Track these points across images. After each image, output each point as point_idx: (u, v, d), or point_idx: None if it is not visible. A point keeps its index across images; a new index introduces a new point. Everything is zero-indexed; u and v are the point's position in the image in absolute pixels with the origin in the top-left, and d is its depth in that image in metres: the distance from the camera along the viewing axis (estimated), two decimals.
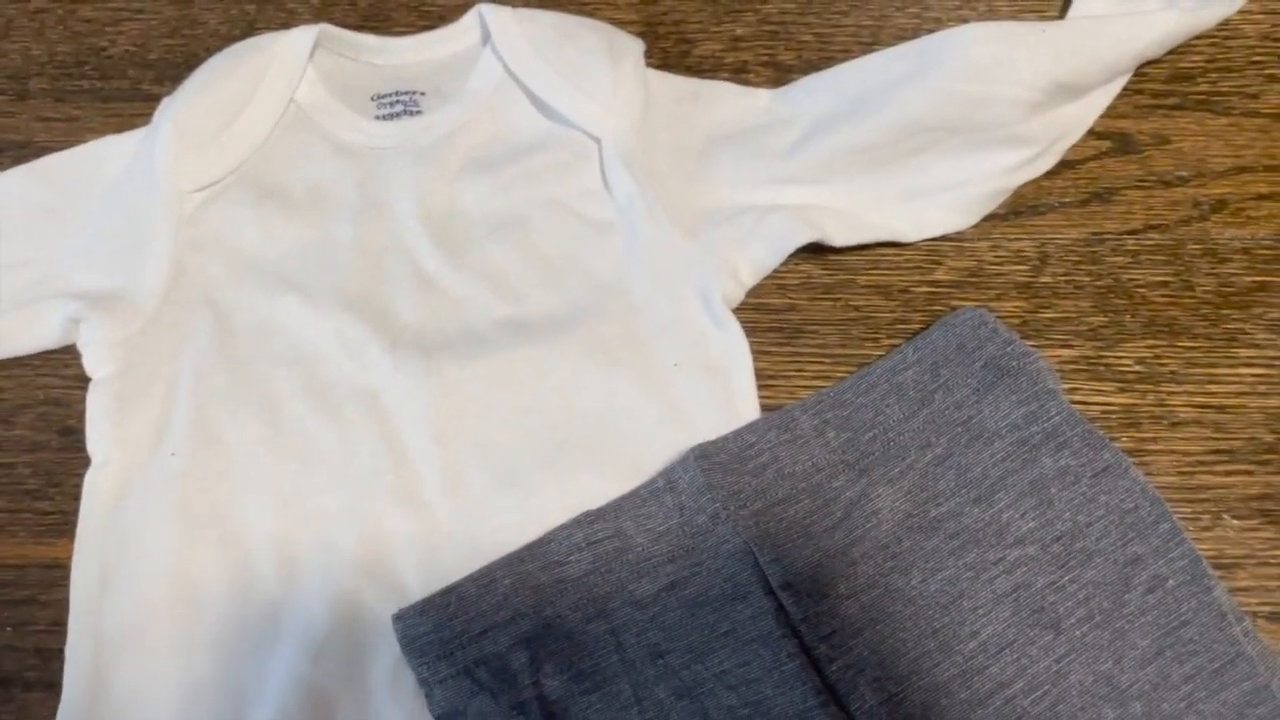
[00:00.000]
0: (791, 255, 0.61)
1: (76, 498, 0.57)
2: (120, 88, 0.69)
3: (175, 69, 0.69)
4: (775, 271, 0.62)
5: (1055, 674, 0.50)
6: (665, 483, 0.55)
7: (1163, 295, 0.61)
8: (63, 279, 0.61)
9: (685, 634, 0.52)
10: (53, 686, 0.54)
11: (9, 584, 0.58)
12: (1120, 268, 0.62)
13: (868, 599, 0.52)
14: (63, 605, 0.55)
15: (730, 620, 0.52)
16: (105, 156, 0.64)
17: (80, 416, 0.59)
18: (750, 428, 0.56)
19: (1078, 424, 0.54)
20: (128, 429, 0.58)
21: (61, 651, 0.55)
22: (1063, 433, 0.54)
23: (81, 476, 0.57)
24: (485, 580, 0.53)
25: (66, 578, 0.56)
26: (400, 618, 0.53)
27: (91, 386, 0.59)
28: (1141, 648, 0.50)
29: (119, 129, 0.66)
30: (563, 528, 0.54)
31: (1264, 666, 0.50)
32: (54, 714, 0.54)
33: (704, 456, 0.54)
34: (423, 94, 0.65)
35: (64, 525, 0.58)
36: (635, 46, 0.64)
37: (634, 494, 0.55)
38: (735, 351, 0.59)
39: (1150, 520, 0.52)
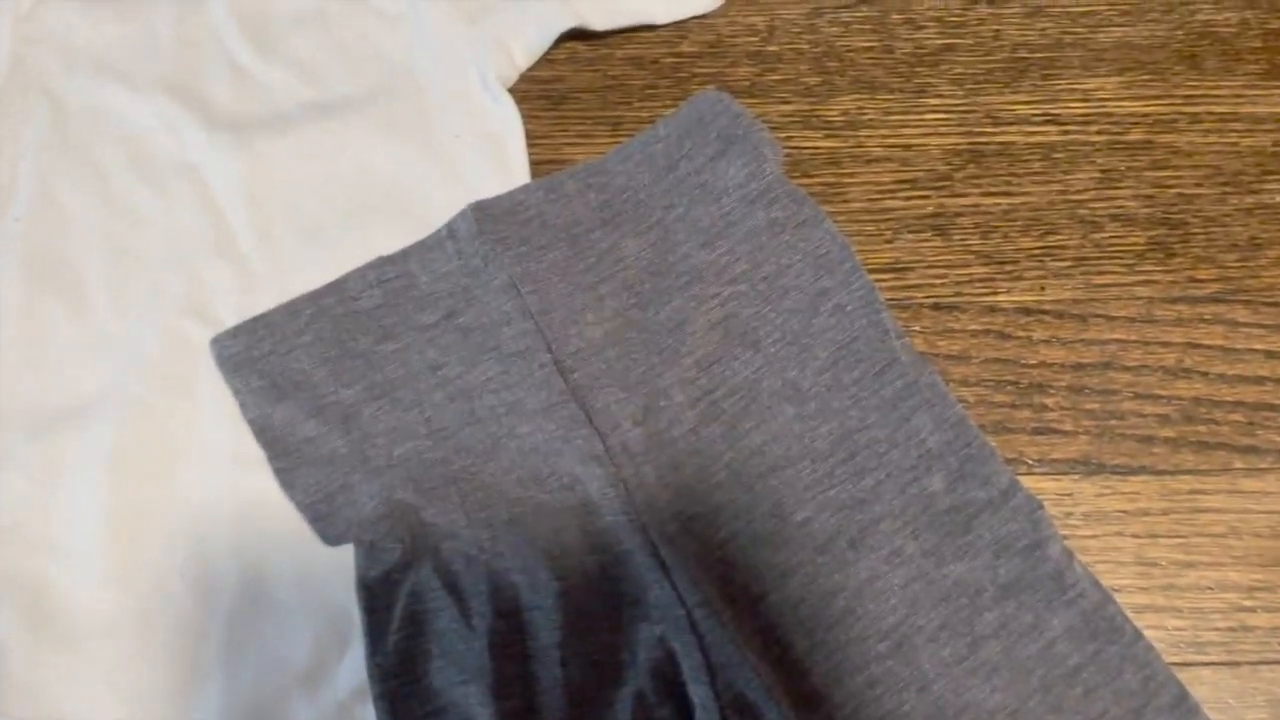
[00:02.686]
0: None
1: None
2: None
3: None
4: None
5: (751, 382, 0.58)
6: (447, 232, 0.60)
7: (868, 58, 0.69)
8: None
9: (459, 350, 0.58)
10: None
11: None
12: (835, 36, 0.70)
13: (610, 326, 0.58)
14: None
15: (496, 339, 0.58)
16: None
17: None
18: (522, 189, 0.61)
19: (785, 183, 0.61)
20: None
21: None
22: (774, 190, 0.60)
23: None
24: (290, 310, 0.58)
25: None
26: (217, 340, 0.58)
27: None
28: (821, 359, 0.58)
29: None
30: (358, 269, 0.59)
31: (913, 370, 0.57)
32: None
33: (480, 209, 0.60)
34: None
35: None
36: None
37: (421, 242, 0.60)
38: (509, 123, 0.65)
39: (838, 260, 0.59)
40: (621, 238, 0.61)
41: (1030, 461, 0.59)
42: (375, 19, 0.67)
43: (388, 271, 0.59)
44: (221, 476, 0.57)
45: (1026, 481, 0.58)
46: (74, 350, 0.60)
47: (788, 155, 0.66)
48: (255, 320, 0.58)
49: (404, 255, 0.60)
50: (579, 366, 0.57)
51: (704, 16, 0.70)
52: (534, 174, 0.65)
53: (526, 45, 0.67)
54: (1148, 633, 0.54)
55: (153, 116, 0.64)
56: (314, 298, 0.59)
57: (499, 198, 0.61)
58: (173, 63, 0.66)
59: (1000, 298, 0.63)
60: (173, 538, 0.56)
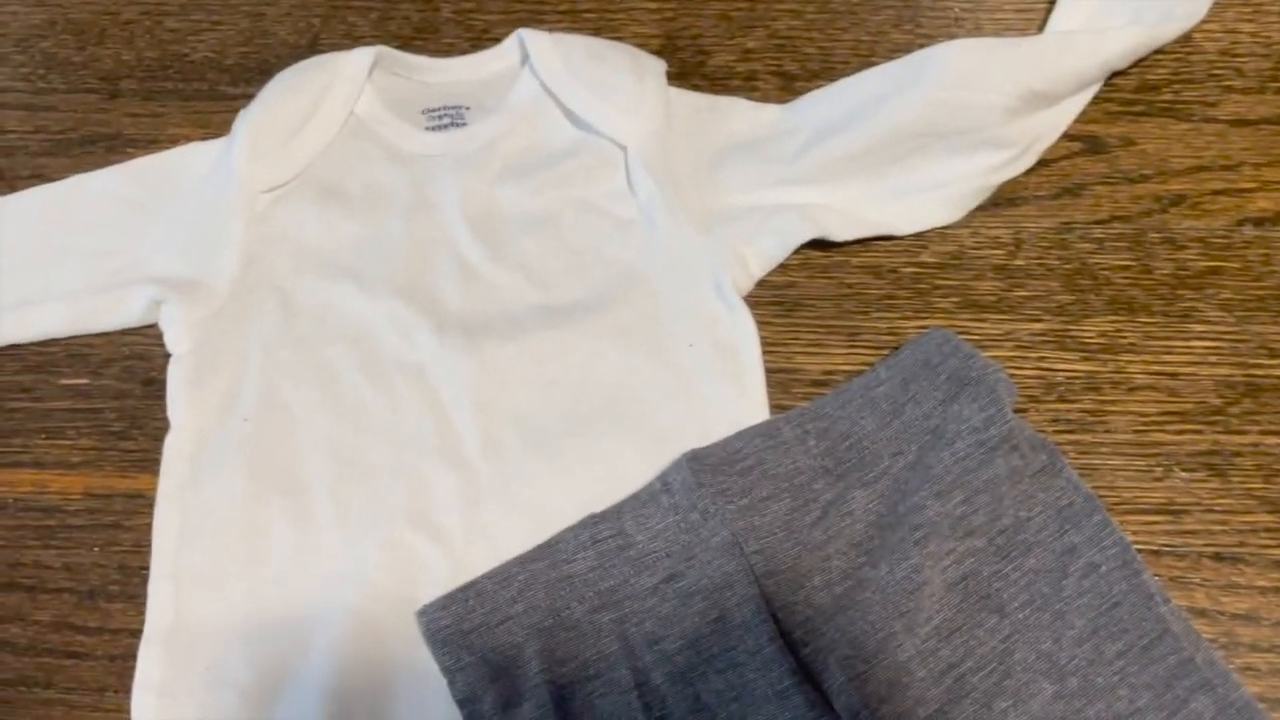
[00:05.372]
0: None
1: (157, 438, 0.62)
2: (200, 89, 0.73)
3: (249, 73, 0.73)
4: None
5: (1001, 653, 0.52)
6: (662, 485, 0.57)
7: (1124, 277, 0.64)
8: (147, 266, 0.65)
9: (679, 622, 0.54)
10: (133, 599, 0.60)
11: (97, 510, 0.62)
12: (1087, 253, 0.65)
13: (840, 589, 0.54)
14: (144, 530, 0.60)
15: (719, 608, 0.54)
16: (189, 160, 0.69)
17: (160, 368, 0.63)
18: (738, 436, 0.58)
19: (1025, 428, 0.56)
20: (203, 397, 0.62)
21: (141, 569, 0.59)
22: (1014, 436, 0.55)
23: (161, 420, 0.62)
24: (501, 577, 0.55)
25: (148, 506, 0.60)
26: (424, 612, 0.55)
27: (171, 361, 0.63)
28: (1078, 627, 0.52)
29: (198, 124, 0.72)
30: (570, 529, 0.56)
31: (1188, 642, 0.51)
32: (133, 621, 0.59)
33: (695, 459, 0.56)
34: (468, 108, 0.69)
35: (145, 461, 0.63)
36: (658, 66, 0.68)
37: (635, 496, 0.57)
38: (744, 332, 0.62)
39: (1084, 513, 0.54)
40: (848, 488, 0.56)
41: None
42: (607, 223, 0.66)
43: (602, 530, 0.56)
44: (441, 703, 0.54)
45: None
46: (295, 560, 0.58)
47: (1039, 378, 0.62)
48: (465, 589, 0.55)
49: (617, 511, 0.57)
50: (810, 639, 0.53)
51: (945, 226, 0.66)
52: (766, 382, 0.62)
53: (763, 255, 0.64)
54: None
55: (382, 316, 0.64)
56: (525, 561, 0.56)
57: (714, 446, 0.57)
58: (403, 262, 0.65)
59: None
60: None
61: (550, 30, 0.69)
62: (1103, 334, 0.62)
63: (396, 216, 0.66)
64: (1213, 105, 0.68)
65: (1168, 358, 0.61)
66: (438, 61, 0.70)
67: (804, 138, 0.65)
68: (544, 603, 0.55)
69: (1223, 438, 0.59)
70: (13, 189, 0.69)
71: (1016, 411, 0.58)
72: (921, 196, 0.65)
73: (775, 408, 0.61)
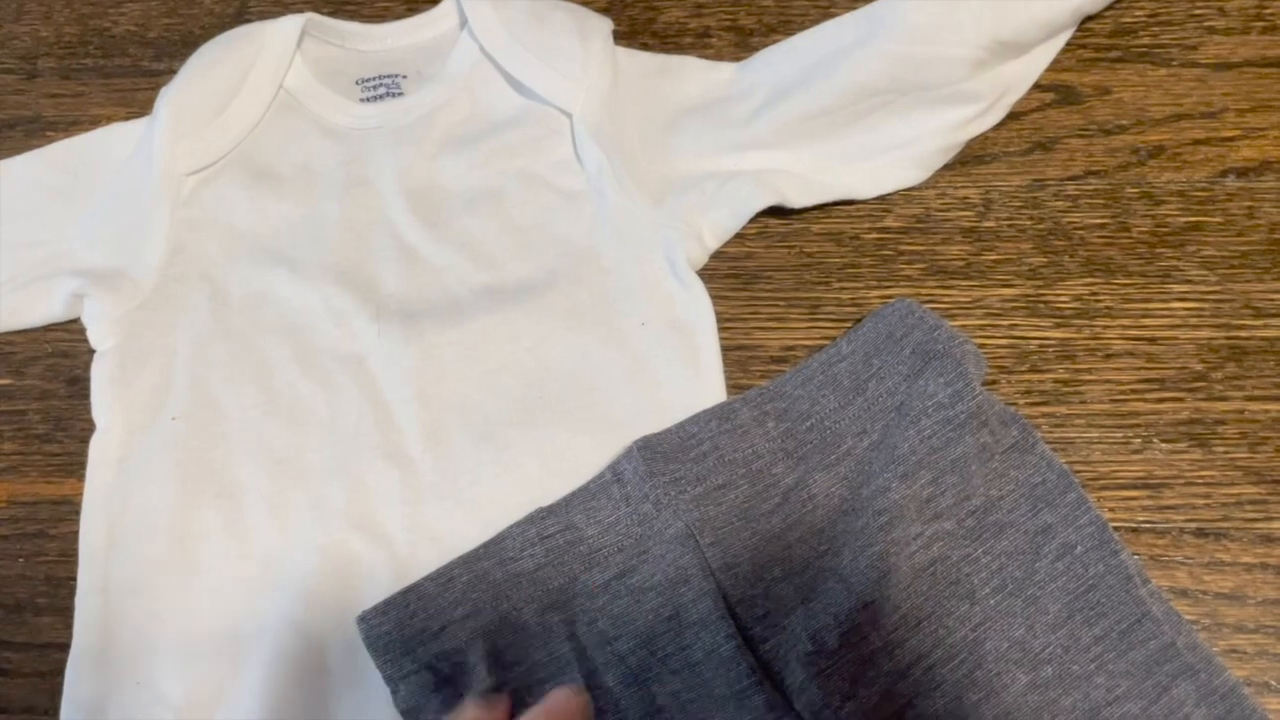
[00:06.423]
0: None
1: (83, 440, 0.60)
2: (122, 65, 0.71)
3: (173, 46, 0.71)
4: None
5: (971, 642, 0.51)
6: (612, 475, 0.55)
7: (1100, 236, 0.62)
8: (68, 257, 0.64)
9: (633, 620, 0.52)
10: (61, 612, 0.58)
11: (21, 519, 0.61)
12: (1060, 211, 0.63)
13: (801, 580, 0.52)
14: (71, 538, 0.58)
15: (674, 604, 0.52)
16: (110, 142, 0.67)
17: (86, 366, 0.61)
18: (692, 420, 0.56)
19: (995, 402, 0.54)
20: (130, 396, 0.60)
21: (69, 580, 0.58)
22: (983, 412, 0.53)
23: (87, 421, 0.60)
24: (443, 579, 0.53)
25: (74, 512, 0.59)
26: (364, 619, 0.53)
27: (95, 358, 0.61)
28: (1052, 613, 0.51)
29: (121, 103, 0.70)
30: (517, 524, 0.54)
31: (1169, 625, 0.50)
32: (61, 636, 0.57)
33: (647, 447, 0.55)
34: (404, 77, 0.67)
35: (71, 465, 0.61)
36: (604, 25, 0.65)
37: (584, 488, 0.55)
38: (699, 309, 0.60)
39: (1059, 490, 0.53)
40: (809, 472, 0.55)
41: None
42: (554, 197, 0.64)
43: (549, 525, 0.54)
44: (384, 714, 0.52)
45: None
46: (229, 569, 0.57)
47: (1011, 347, 0.60)
48: (406, 593, 0.53)
49: (566, 504, 0.55)
50: (770, 635, 0.51)
51: (910, 188, 0.64)
52: (723, 360, 0.60)
53: (717, 226, 0.62)
54: None
55: (317, 304, 0.62)
56: (469, 561, 0.54)
57: (667, 431, 0.56)
58: (339, 245, 0.63)
59: (1277, 525, 0.54)
60: None
61: None
62: (1077, 298, 0.60)
63: (331, 196, 0.64)
64: (1193, 48, 0.66)
65: (1146, 321, 0.60)
66: (371, 28, 0.68)
67: (760, 98, 0.63)
68: (490, 604, 0.53)
69: (1205, 405, 0.57)
70: None
71: (986, 383, 0.57)
72: (884, 157, 0.63)
73: (733, 387, 0.59)
